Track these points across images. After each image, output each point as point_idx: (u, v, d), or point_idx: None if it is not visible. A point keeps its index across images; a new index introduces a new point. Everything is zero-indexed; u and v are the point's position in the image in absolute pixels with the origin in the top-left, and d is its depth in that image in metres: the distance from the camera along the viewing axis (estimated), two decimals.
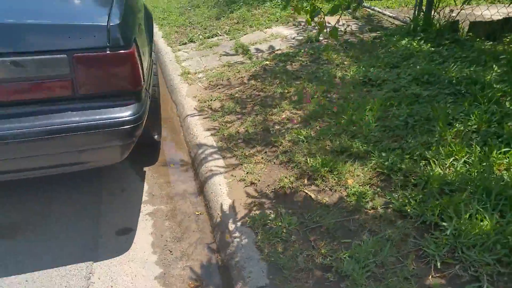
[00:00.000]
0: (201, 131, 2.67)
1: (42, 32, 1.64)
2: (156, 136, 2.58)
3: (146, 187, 2.34)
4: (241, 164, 2.26)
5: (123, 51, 1.70)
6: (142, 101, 1.83)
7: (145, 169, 2.50)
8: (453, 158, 1.98)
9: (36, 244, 1.91)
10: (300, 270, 1.60)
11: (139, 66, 1.79)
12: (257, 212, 1.91)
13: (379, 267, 1.56)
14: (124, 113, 1.74)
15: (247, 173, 2.18)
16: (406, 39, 3.50)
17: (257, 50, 3.86)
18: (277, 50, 3.80)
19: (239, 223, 1.87)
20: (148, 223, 2.06)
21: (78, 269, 1.78)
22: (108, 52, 1.67)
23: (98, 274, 1.77)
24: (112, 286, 1.71)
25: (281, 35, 4.15)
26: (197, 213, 2.15)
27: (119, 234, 2.00)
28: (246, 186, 2.10)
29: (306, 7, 2.22)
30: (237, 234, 1.83)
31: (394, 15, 4.30)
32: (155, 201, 2.22)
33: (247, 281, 1.60)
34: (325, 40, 3.87)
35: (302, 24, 4.40)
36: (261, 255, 1.68)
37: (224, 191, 2.09)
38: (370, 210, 1.83)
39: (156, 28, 4.90)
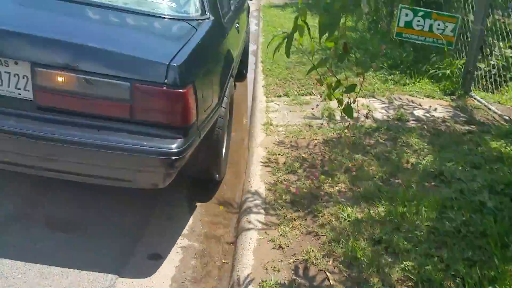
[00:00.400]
0: (257, 182, 2.80)
1: (113, 59, 1.93)
2: (216, 176, 2.78)
3: (190, 221, 2.52)
4: (279, 225, 2.32)
5: (177, 90, 1.91)
6: (188, 137, 2.01)
7: (197, 204, 2.69)
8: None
9: (78, 243, 2.18)
10: None
11: (191, 106, 1.99)
12: (273, 277, 1.95)
13: None
14: (169, 145, 1.92)
15: (280, 235, 2.23)
16: (501, 141, 3.27)
17: (342, 117, 3.92)
18: (361, 121, 3.82)
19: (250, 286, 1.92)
20: (177, 256, 2.22)
21: (104, 278, 1.99)
22: (164, 88, 1.90)
23: None
24: None
25: (372, 107, 4.16)
26: (223, 261, 2.25)
27: (149, 258, 2.18)
28: (273, 248, 2.15)
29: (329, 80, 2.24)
30: None
31: (499, 112, 4.03)
32: (192, 237, 2.38)
33: None
34: (413, 121, 3.79)
35: (397, 100, 4.36)
36: None
37: (252, 246, 2.17)
38: None
39: (260, 77, 5.25)
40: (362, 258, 2.02)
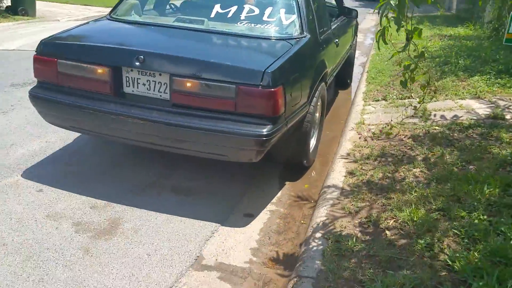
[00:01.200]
0: (339, 167, 3.22)
1: (224, 69, 2.62)
2: (304, 162, 3.29)
3: (279, 193, 3.07)
4: (351, 197, 2.72)
5: (268, 89, 2.51)
6: (276, 125, 2.58)
7: (287, 182, 3.23)
8: None
9: (194, 203, 2.88)
10: None
11: (280, 101, 2.56)
12: (339, 230, 2.37)
13: None
14: (261, 130, 2.53)
15: (351, 204, 2.63)
16: None
17: (434, 116, 4.09)
18: (455, 119, 3.94)
19: (318, 240, 2.38)
20: (265, 216, 2.78)
21: (210, 225, 2.64)
22: (259, 88, 2.52)
23: (219, 232, 2.58)
24: (223, 242, 2.49)
25: (469, 108, 4.22)
26: (302, 222, 2.74)
27: (245, 215, 2.78)
28: (344, 212, 2.57)
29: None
30: (313, 244, 2.34)
31: None
32: (279, 204, 2.92)
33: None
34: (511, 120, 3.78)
35: (500, 101, 4.32)
36: (323, 266, 2.16)
37: (325, 211, 2.61)
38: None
39: (363, 85, 5.61)
40: (418, 220, 2.32)
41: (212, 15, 3.26)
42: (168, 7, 3.91)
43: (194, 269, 2.27)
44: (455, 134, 3.58)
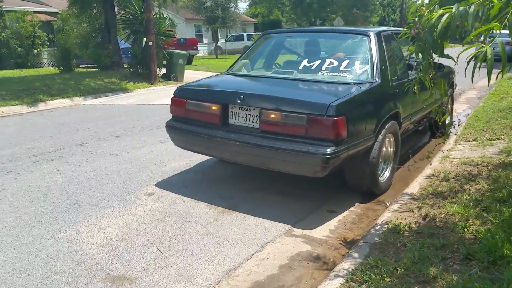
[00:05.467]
0: (415, 185, 3.86)
1: (299, 103, 3.34)
2: (375, 190, 3.85)
3: (359, 200, 3.82)
4: (417, 203, 3.37)
5: (332, 118, 3.13)
6: (338, 147, 3.16)
7: (356, 203, 3.97)
8: None
9: (289, 198, 3.81)
10: None
11: (342, 128, 3.16)
12: (401, 221, 3.07)
13: None
14: (325, 149, 3.14)
15: (416, 207, 3.29)
16: None
17: None
18: None
19: (381, 225, 3.10)
20: (345, 212, 3.57)
21: (299, 214, 3.52)
22: (324, 117, 3.16)
23: (306, 218, 3.45)
24: (309, 224, 3.35)
25: None
26: (373, 219, 3.46)
27: (328, 211, 3.61)
28: (407, 211, 3.24)
29: None
30: (377, 227, 3.07)
31: None
32: (358, 207, 3.68)
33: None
34: None
35: None
36: (379, 238, 2.89)
37: (393, 209, 3.32)
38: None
39: (459, 131, 6.05)
40: (463, 213, 2.90)
41: (300, 67, 4.12)
42: (273, 66, 4.67)
43: (285, 235, 3.18)
44: None
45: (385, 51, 4.06)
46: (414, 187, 3.81)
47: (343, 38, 4.55)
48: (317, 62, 4.06)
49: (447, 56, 2.58)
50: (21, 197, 3.90)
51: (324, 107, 3.20)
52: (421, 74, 2.86)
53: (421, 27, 2.47)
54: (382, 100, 3.85)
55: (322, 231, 3.25)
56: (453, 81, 6.65)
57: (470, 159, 4.40)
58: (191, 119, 3.96)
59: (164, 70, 14.58)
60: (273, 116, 3.42)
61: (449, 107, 6.41)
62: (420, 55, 2.59)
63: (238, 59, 4.90)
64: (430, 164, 4.40)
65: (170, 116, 4.22)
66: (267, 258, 2.87)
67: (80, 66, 17.55)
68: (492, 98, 8.45)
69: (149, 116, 8.01)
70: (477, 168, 4.08)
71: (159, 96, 11.15)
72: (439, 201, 3.32)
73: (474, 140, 5.29)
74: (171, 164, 4.82)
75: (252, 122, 3.56)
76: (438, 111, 3.31)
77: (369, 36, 4.08)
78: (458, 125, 4.73)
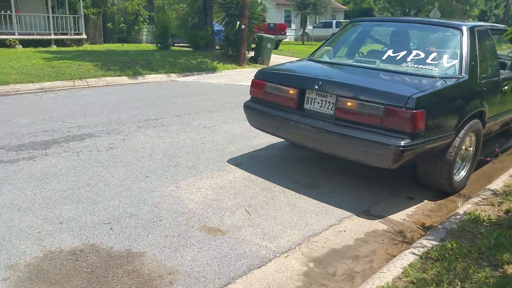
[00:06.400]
0: (498, 182, 3.82)
1: (377, 93, 3.31)
2: (447, 189, 3.73)
3: (432, 197, 3.86)
4: (499, 199, 3.37)
5: (411, 111, 3.09)
6: (413, 140, 3.13)
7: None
8: None
9: (325, 194, 3.96)
10: None
11: (420, 122, 3.11)
12: (480, 213, 3.11)
13: None
14: (400, 142, 3.12)
15: (497, 201, 3.29)
16: None
17: None
18: None
19: (461, 215, 3.16)
20: (424, 201, 3.66)
21: (378, 197, 3.68)
22: (403, 109, 3.13)
23: (385, 202, 3.60)
24: (386, 207, 3.50)
25: None
26: (453, 209, 3.51)
27: (407, 198, 3.72)
28: (487, 204, 3.26)
29: None
30: (457, 216, 3.14)
31: None
32: (437, 196, 3.74)
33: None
34: None
35: None
36: (457, 226, 2.98)
37: (473, 202, 3.35)
38: None
39: None
40: None
41: (384, 57, 4.07)
42: (356, 55, 4.67)
43: (363, 214, 3.38)
44: None
45: (477, 47, 3.93)
46: (497, 184, 3.77)
47: (434, 30, 4.41)
48: (403, 53, 4.00)
49: None
50: (130, 155, 4.51)
51: (404, 98, 3.16)
52: None
53: None
54: (467, 97, 3.75)
55: (399, 215, 3.40)
56: None
57: None
58: (268, 101, 4.08)
59: (252, 53, 15.07)
60: (349, 104, 3.43)
61: None
62: None
63: (322, 45, 4.99)
64: None
65: None
66: (344, 231, 3.10)
67: (175, 44, 18.72)
68: None
69: (237, 96, 8.47)
70: None
71: (247, 77, 11.61)
72: None
73: None
74: (257, 140, 5.18)
75: (327, 108, 3.60)
76: None
77: (461, 30, 3.96)
78: None
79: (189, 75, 11.96)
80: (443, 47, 4.13)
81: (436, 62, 3.84)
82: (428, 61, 3.84)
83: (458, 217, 3.10)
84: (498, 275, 2.22)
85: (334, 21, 32.86)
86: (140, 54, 13.66)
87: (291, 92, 3.86)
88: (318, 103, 3.68)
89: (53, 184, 3.66)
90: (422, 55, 3.93)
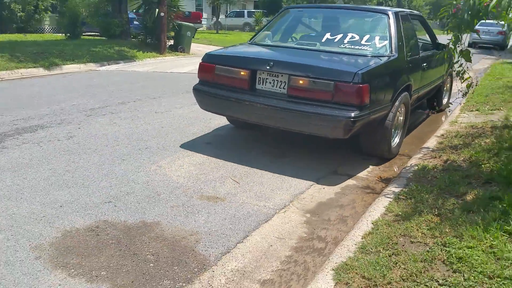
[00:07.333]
0: (431, 141, 4.60)
1: (327, 71, 3.63)
2: (385, 154, 4.25)
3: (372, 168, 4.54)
4: (437, 153, 4.11)
5: (357, 85, 3.47)
6: (361, 112, 3.52)
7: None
8: None
9: (296, 161, 4.50)
10: None
11: (366, 95, 3.50)
12: (424, 163, 3.80)
13: None
14: (349, 113, 3.48)
15: (431, 156, 4.02)
16: None
17: None
18: None
19: (412, 166, 3.83)
20: (378, 164, 4.29)
21: (337, 161, 4.24)
22: (351, 84, 3.50)
23: (346, 163, 4.16)
24: (352, 167, 4.06)
25: None
26: (401, 166, 4.19)
27: (363, 159, 4.32)
28: (428, 158, 3.97)
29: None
30: (408, 167, 3.79)
31: None
32: (376, 160, 4.41)
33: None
34: None
35: None
36: (412, 174, 3.62)
37: (415, 157, 4.05)
38: None
39: (462, 103, 6.81)
40: (478, 156, 3.65)
41: (323, 40, 4.46)
42: (289, 39, 5.01)
43: (333, 174, 3.90)
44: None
45: (402, 29, 4.52)
46: (431, 142, 4.55)
47: (363, 15, 5.04)
48: (339, 36, 4.43)
49: (475, 32, 3.26)
50: (94, 142, 4.50)
51: (351, 74, 3.52)
52: (451, 46, 3.49)
53: (459, 6, 3.13)
54: (399, 73, 4.26)
55: (362, 173, 3.98)
56: (453, 61, 7.32)
57: (476, 123, 5.17)
58: (219, 83, 4.21)
59: (171, 42, 14.97)
60: (301, 82, 3.70)
61: (447, 85, 6.92)
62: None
63: (261, 30, 5.34)
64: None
65: (192, 84, 4.62)
66: (323, 188, 3.58)
67: (85, 33, 17.74)
68: (489, 78, 9.25)
69: (173, 83, 8.55)
70: (483, 129, 4.85)
71: (173, 65, 11.63)
72: (456, 150, 4.07)
73: (477, 110, 6.07)
74: (214, 122, 5.45)
75: (279, 88, 3.84)
76: (461, 74, 3.98)
77: (388, 15, 4.51)
78: (464, 95, 5.41)
79: (108, 64, 11.55)
80: (373, 30, 4.67)
81: (369, 43, 4.31)
82: (363, 42, 4.31)
83: (409, 168, 3.75)
84: (461, 202, 2.86)
85: (245, 11, 33.56)
86: (51, 44, 12.80)
87: (242, 73, 4.02)
88: (270, 82, 3.89)
89: (31, 174, 3.59)
90: (357, 37, 4.37)
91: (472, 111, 6.07)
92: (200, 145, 4.54)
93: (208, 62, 4.35)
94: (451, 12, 3.31)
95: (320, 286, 2.15)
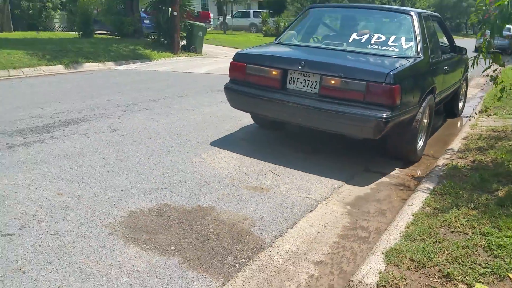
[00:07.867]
0: (456, 143, 4.84)
1: (360, 71, 3.70)
2: (412, 157, 4.37)
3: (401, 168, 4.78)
4: (463, 154, 4.35)
5: (389, 86, 3.54)
6: (392, 112, 3.59)
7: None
8: None
9: (328, 158, 4.74)
10: None
11: (397, 95, 3.57)
12: (451, 162, 4.03)
13: None
14: (381, 114, 3.57)
15: (457, 157, 4.26)
16: None
17: None
18: None
19: (441, 166, 4.07)
20: (391, 172, 4.53)
21: (362, 163, 4.48)
22: (383, 84, 3.57)
23: (372, 168, 4.40)
24: (379, 172, 4.30)
25: None
26: (431, 164, 4.43)
27: (374, 172, 4.56)
28: (457, 159, 4.22)
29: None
30: (440, 166, 4.03)
31: None
32: (401, 164, 4.65)
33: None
34: None
35: None
36: (443, 173, 3.86)
37: (445, 157, 4.29)
38: None
39: (478, 108, 7.03)
40: (505, 157, 3.88)
41: (350, 40, 4.50)
42: (315, 39, 5.09)
43: (365, 171, 4.14)
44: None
45: (425, 30, 4.50)
46: (456, 144, 4.78)
47: (386, 16, 5.10)
48: (366, 37, 4.46)
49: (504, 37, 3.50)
50: (138, 135, 4.76)
51: (383, 75, 3.59)
52: (484, 50, 3.74)
53: (491, 11, 3.37)
54: (425, 74, 4.32)
55: (393, 170, 4.21)
56: (467, 65, 7.51)
57: (496, 127, 5.40)
58: (250, 82, 4.29)
59: (183, 42, 15.20)
60: (333, 82, 3.78)
61: (463, 90, 7.04)
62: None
63: (285, 29, 5.37)
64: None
65: (212, 84, 4.91)
66: (358, 184, 3.82)
67: (96, 32, 18.02)
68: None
69: (194, 82, 8.81)
70: (504, 132, 5.08)
71: (190, 65, 11.90)
72: (481, 152, 4.30)
73: (495, 114, 6.29)
74: (244, 120, 5.70)
75: (310, 87, 3.92)
76: (495, 79, 4.19)
77: (411, 15, 4.52)
78: (499, 99, 5.47)
79: (125, 64, 11.80)
80: (398, 30, 4.69)
81: (396, 44, 4.32)
82: (389, 43, 4.33)
83: (440, 167, 3.99)
84: (494, 197, 3.10)
85: (251, 11, 33.84)
86: (67, 42, 13.07)
87: (273, 72, 4.10)
88: (301, 82, 3.97)
89: (86, 161, 3.85)
90: (383, 37, 4.40)
91: (490, 115, 6.30)
92: (235, 140, 4.79)
93: (240, 61, 4.43)
94: (482, 17, 3.53)
95: (373, 266, 2.39)
